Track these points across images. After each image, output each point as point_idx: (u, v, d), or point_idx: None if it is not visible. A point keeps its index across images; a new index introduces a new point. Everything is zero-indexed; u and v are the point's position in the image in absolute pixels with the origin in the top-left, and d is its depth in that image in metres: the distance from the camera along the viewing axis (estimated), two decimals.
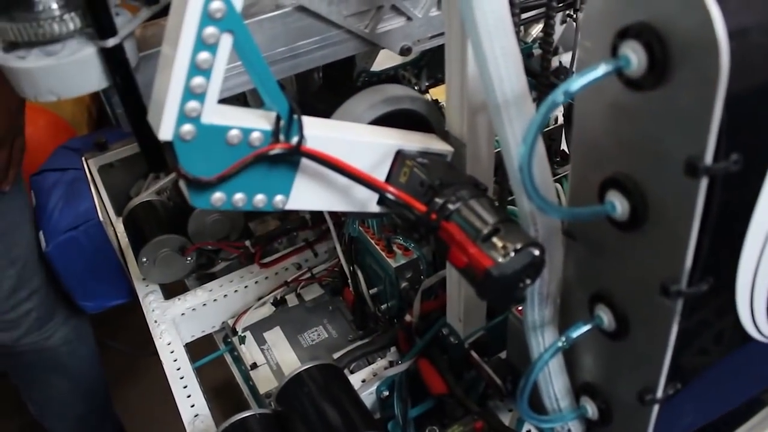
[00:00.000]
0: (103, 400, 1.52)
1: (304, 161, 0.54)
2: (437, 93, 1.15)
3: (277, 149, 0.52)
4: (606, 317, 0.52)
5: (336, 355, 0.96)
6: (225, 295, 1.10)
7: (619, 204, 0.45)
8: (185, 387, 0.94)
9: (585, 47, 0.44)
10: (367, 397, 0.88)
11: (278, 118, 0.51)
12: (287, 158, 0.53)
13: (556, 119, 1.05)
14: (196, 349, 1.10)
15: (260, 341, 1.06)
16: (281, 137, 0.52)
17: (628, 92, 0.42)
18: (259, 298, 1.12)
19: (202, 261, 1.16)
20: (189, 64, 0.46)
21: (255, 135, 0.51)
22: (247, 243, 1.12)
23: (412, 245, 0.93)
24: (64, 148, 1.37)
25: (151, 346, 1.03)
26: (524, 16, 0.88)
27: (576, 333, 0.53)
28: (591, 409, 0.59)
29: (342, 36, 0.77)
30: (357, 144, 0.58)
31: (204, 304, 1.09)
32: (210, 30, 0.46)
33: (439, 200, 0.55)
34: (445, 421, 0.82)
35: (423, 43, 0.82)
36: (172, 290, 1.14)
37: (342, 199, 0.59)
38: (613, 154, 0.46)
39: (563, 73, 1.12)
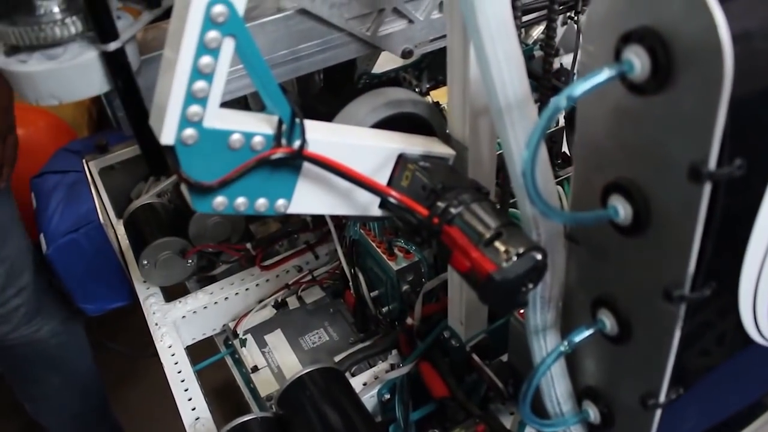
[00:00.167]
0: (99, 399, 1.53)
1: (306, 165, 0.54)
2: (438, 95, 1.15)
3: (279, 153, 0.52)
4: (608, 321, 0.52)
5: (337, 358, 0.96)
6: (226, 298, 1.10)
7: (621, 208, 0.45)
8: (186, 390, 0.94)
9: (588, 51, 0.44)
10: (369, 400, 0.88)
11: (280, 122, 0.51)
12: (289, 162, 0.53)
13: (558, 121, 1.05)
14: (197, 351, 1.10)
15: (261, 344, 1.05)
16: (283, 141, 0.52)
17: (631, 97, 0.42)
18: (260, 301, 1.12)
19: (203, 263, 1.15)
20: (191, 68, 0.46)
21: (257, 139, 0.51)
22: (248, 245, 1.12)
23: (414, 248, 0.93)
24: (64, 150, 1.37)
25: (151, 347, 1.03)
26: (525, 18, 0.88)
27: (578, 337, 0.53)
28: (593, 414, 0.59)
29: (343, 39, 0.77)
30: (359, 148, 0.58)
31: (205, 307, 1.08)
32: (212, 34, 0.46)
33: (441, 204, 0.55)
34: (447, 425, 0.82)
35: (424, 46, 0.82)
36: (172, 293, 1.13)
37: (344, 203, 0.59)
38: (616, 159, 0.45)
39: (564, 74, 1.12)
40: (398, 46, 0.81)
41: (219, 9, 0.45)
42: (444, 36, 0.69)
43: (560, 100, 0.40)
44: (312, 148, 0.53)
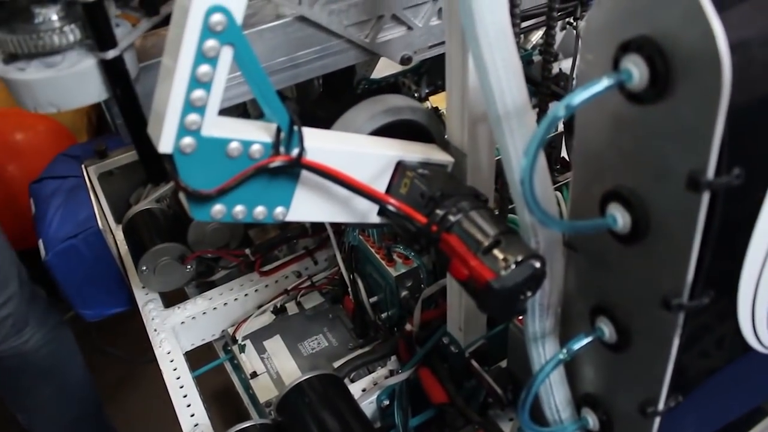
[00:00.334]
0: (94, 406, 1.51)
1: (305, 173, 0.54)
2: (437, 100, 1.15)
3: (277, 162, 0.52)
4: (607, 329, 0.52)
5: (336, 364, 0.96)
6: (225, 304, 1.10)
7: (620, 217, 0.45)
8: (185, 396, 0.94)
9: (587, 60, 0.44)
10: (368, 406, 0.88)
11: (279, 130, 0.51)
12: (288, 170, 0.53)
13: (557, 127, 1.05)
14: (196, 356, 1.10)
15: (260, 350, 1.05)
16: (281, 149, 0.52)
17: (630, 105, 0.42)
18: (259, 307, 1.11)
19: (202, 269, 1.15)
20: (189, 77, 0.46)
21: (255, 147, 0.51)
22: (247, 251, 1.11)
23: (413, 254, 0.93)
24: (63, 155, 1.37)
25: (149, 353, 1.03)
26: (524, 24, 0.88)
27: (577, 345, 0.53)
28: (592, 421, 0.59)
29: (342, 46, 0.77)
30: (357, 155, 0.58)
31: (204, 313, 1.08)
32: (210, 43, 0.45)
33: (439, 212, 0.55)
34: (446, 431, 0.82)
35: (423, 53, 0.83)
36: (171, 298, 1.13)
37: (342, 211, 0.59)
38: (614, 167, 0.45)
39: (563, 79, 1.12)
40: (397, 53, 0.81)
41: (217, 18, 0.45)
42: (443, 42, 0.69)
43: (558, 110, 0.40)
44: (310, 156, 0.53)
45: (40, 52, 0.60)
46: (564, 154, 1.05)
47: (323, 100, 1.07)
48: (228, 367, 1.11)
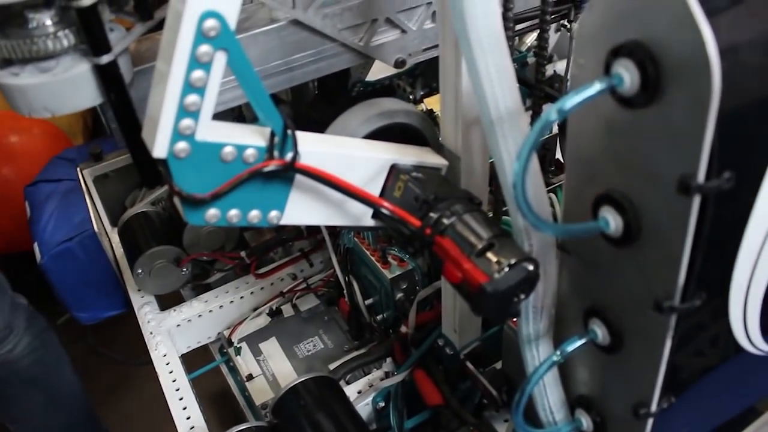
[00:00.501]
0: (85, 410, 1.50)
1: (299, 177, 0.54)
2: (432, 102, 1.15)
3: (271, 166, 0.52)
4: (600, 331, 0.52)
5: (332, 366, 0.96)
6: (220, 306, 1.10)
7: (612, 220, 0.45)
8: (181, 399, 0.94)
9: (579, 64, 0.45)
10: (363, 408, 0.88)
11: (272, 135, 0.51)
12: (282, 174, 0.53)
13: (551, 128, 1.06)
14: (192, 359, 1.10)
15: (256, 352, 1.05)
16: (275, 153, 0.52)
17: (622, 110, 0.42)
18: (255, 309, 1.12)
19: (198, 272, 1.15)
20: (183, 82, 0.46)
21: (249, 152, 0.51)
22: (243, 254, 1.11)
23: (407, 256, 0.93)
24: (59, 158, 1.37)
25: (144, 355, 1.03)
26: (518, 27, 0.89)
27: (571, 347, 0.53)
28: (586, 422, 0.59)
29: (337, 49, 0.78)
30: (351, 159, 0.58)
31: (199, 315, 1.09)
32: (204, 48, 0.46)
33: (433, 215, 0.55)
34: None
35: (417, 56, 0.83)
36: (167, 301, 1.13)
37: (337, 214, 0.59)
38: (606, 171, 0.46)
39: (558, 81, 1.13)
40: (391, 56, 0.81)
41: (211, 23, 0.45)
42: (437, 46, 0.69)
43: (551, 114, 0.40)
44: (304, 160, 0.53)
45: (35, 57, 0.60)
46: (558, 155, 1.06)
47: (318, 102, 1.07)
48: (224, 369, 1.11)
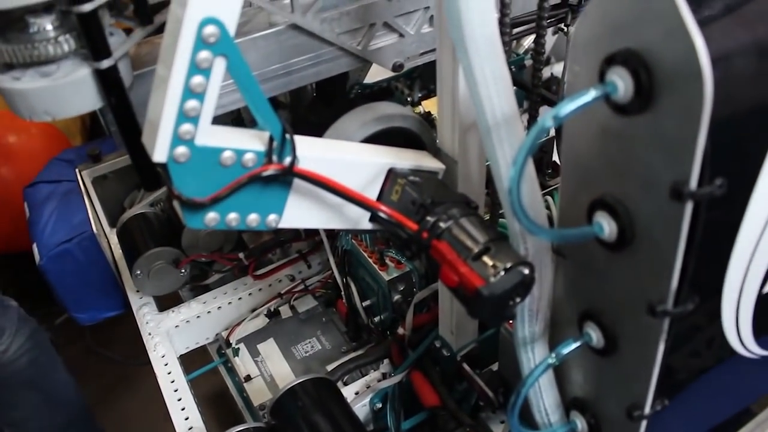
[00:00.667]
0: (80, 410, 1.50)
1: (297, 181, 0.55)
2: (430, 105, 1.16)
3: (270, 170, 0.52)
4: (595, 335, 0.53)
5: (329, 367, 0.97)
6: (219, 307, 1.10)
7: (606, 225, 0.46)
8: (179, 399, 0.94)
9: (574, 71, 0.45)
10: (361, 409, 0.89)
11: (271, 139, 0.52)
12: (280, 178, 0.54)
13: (548, 131, 1.06)
14: (190, 360, 1.10)
15: (254, 353, 1.06)
16: (274, 158, 0.52)
17: (616, 117, 0.43)
18: (253, 310, 1.12)
19: (196, 273, 1.16)
20: (183, 87, 0.47)
21: (248, 156, 0.52)
22: (241, 255, 1.12)
23: (405, 258, 0.94)
24: (57, 159, 1.37)
25: (143, 356, 1.03)
26: (515, 31, 0.89)
27: (566, 350, 0.54)
28: (580, 424, 0.60)
29: (335, 53, 0.78)
30: (349, 163, 0.59)
31: (198, 316, 1.09)
32: (204, 54, 0.46)
33: (430, 219, 0.56)
34: None
35: (415, 60, 0.83)
36: (166, 302, 1.14)
37: (335, 217, 0.60)
38: (601, 176, 0.46)
39: (555, 83, 1.13)
40: (389, 60, 0.82)
41: (210, 30, 0.45)
42: (434, 50, 0.70)
43: (546, 120, 0.41)
44: (302, 164, 0.54)
45: (35, 62, 0.60)
46: (556, 158, 1.06)
47: (316, 104, 1.07)
48: (222, 370, 1.12)
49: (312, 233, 1.15)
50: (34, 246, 1.17)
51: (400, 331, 0.92)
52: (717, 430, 0.66)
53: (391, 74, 1.13)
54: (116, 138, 0.68)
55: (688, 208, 0.40)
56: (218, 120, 0.51)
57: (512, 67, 1.07)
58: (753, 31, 0.39)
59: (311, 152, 0.55)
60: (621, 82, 0.40)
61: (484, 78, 0.49)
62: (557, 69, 1.17)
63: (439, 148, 0.67)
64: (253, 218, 0.55)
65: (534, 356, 0.59)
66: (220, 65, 0.47)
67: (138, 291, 1.12)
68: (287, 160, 0.53)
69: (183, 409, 0.93)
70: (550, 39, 1.19)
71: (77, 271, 1.16)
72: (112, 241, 1.22)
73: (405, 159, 0.63)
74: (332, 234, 1.03)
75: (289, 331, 1.09)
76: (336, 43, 0.77)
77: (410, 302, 0.91)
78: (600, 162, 0.46)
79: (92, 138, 2.09)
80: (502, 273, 0.50)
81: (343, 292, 1.02)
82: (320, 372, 0.93)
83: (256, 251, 1.13)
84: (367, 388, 0.92)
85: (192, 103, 0.47)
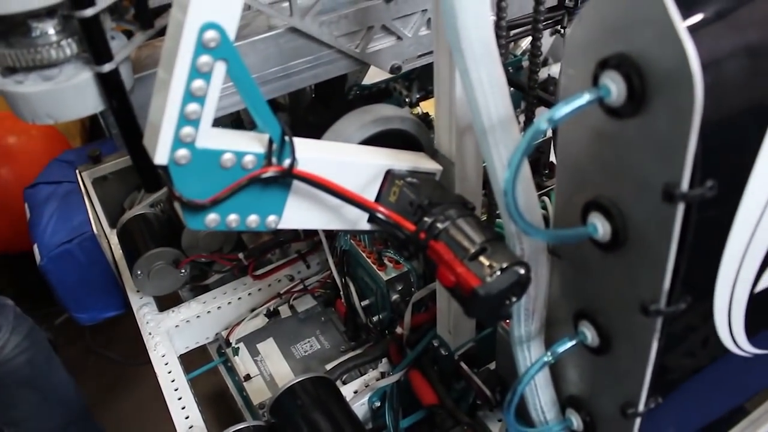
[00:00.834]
0: (79, 409, 1.50)
1: (296, 182, 0.56)
2: (428, 106, 1.16)
3: (269, 172, 0.53)
4: (589, 333, 0.54)
5: (328, 366, 0.97)
6: (218, 307, 1.11)
7: (601, 226, 0.47)
8: (180, 398, 0.95)
9: (568, 74, 0.46)
10: (359, 407, 0.89)
11: (271, 141, 0.53)
12: (280, 180, 0.55)
13: (545, 131, 1.07)
14: (190, 359, 1.11)
15: (253, 352, 1.07)
16: (274, 160, 0.53)
17: (609, 120, 0.43)
18: (253, 310, 1.13)
19: (196, 273, 1.16)
20: (184, 91, 0.47)
21: (248, 158, 0.52)
22: (240, 255, 1.13)
23: (403, 258, 0.94)
24: (58, 161, 1.38)
25: (142, 355, 1.04)
26: (512, 33, 0.90)
27: (561, 348, 0.55)
28: (576, 422, 0.61)
29: (333, 56, 0.79)
30: (347, 165, 0.60)
31: (198, 316, 1.10)
32: (204, 59, 0.47)
33: (427, 219, 0.56)
34: None
35: (412, 62, 0.84)
36: (166, 302, 1.14)
37: (333, 218, 0.61)
38: (595, 178, 0.47)
39: (552, 84, 1.14)
40: (387, 62, 0.82)
41: (211, 35, 0.46)
42: (432, 52, 0.71)
43: (541, 123, 0.42)
44: (302, 166, 0.54)
45: (38, 66, 0.61)
46: (552, 158, 1.07)
47: (315, 105, 1.08)
48: (222, 369, 1.12)
49: (311, 234, 1.15)
50: (35, 247, 1.18)
51: (399, 330, 0.92)
52: (711, 428, 0.67)
53: (389, 76, 1.14)
54: (117, 140, 0.69)
55: (680, 209, 0.41)
56: (217, 122, 0.51)
57: (510, 68, 1.07)
58: (743, 37, 0.40)
59: (310, 154, 0.56)
60: (614, 86, 0.41)
61: (480, 80, 0.50)
62: (555, 70, 1.17)
63: (437, 150, 0.67)
64: (252, 219, 0.56)
65: (530, 355, 0.60)
66: (220, 69, 0.48)
67: (138, 291, 1.13)
68: (286, 162, 0.53)
69: (183, 408, 0.93)
70: (547, 40, 1.20)
71: (78, 272, 1.16)
72: (112, 242, 1.23)
73: (403, 160, 0.64)
74: (331, 234, 1.04)
75: (289, 331, 1.10)
76: (334, 46, 0.78)
77: (408, 302, 0.92)
78: (594, 164, 0.47)
79: (92, 139, 2.10)
80: (498, 273, 0.51)
81: (341, 292, 1.03)
82: (319, 371, 0.94)
83: (256, 252, 1.14)
84: (366, 386, 0.93)
85: (193, 107, 0.48)
